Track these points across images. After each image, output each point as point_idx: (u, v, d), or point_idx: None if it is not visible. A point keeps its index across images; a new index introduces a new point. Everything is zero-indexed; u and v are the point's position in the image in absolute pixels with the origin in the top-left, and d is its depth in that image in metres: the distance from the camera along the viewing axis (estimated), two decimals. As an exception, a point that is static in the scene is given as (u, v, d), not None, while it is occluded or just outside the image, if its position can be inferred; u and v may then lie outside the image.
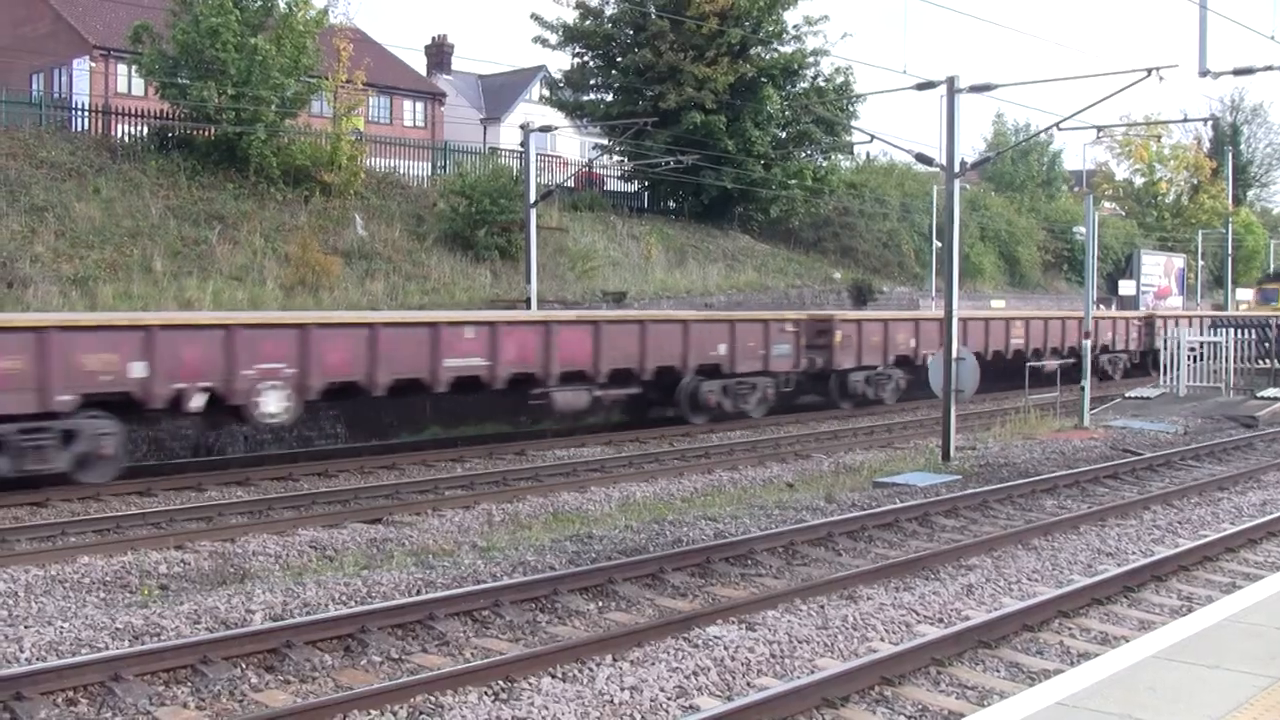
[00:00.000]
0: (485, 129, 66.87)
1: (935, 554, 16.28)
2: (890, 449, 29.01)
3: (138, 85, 45.46)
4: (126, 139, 38.79)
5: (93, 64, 50.70)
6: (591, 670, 11.30)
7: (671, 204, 53.74)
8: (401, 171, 45.00)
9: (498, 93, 72.63)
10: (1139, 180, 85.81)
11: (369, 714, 10.11)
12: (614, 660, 11.62)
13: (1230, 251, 75.86)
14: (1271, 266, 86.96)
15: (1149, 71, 24.61)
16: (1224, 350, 41.50)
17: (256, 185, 37.39)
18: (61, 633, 12.23)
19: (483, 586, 13.87)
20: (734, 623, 12.90)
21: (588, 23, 50.79)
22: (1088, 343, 32.70)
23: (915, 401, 37.49)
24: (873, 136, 38.76)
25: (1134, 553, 16.80)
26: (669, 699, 10.52)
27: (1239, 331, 43.17)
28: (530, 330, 28.23)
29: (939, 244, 48.06)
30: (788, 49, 51.32)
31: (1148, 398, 39.04)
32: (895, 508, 19.44)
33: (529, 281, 35.73)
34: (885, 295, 51.46)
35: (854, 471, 25.08)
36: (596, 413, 30.81)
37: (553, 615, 13.41)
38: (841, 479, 23.94)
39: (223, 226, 34.86)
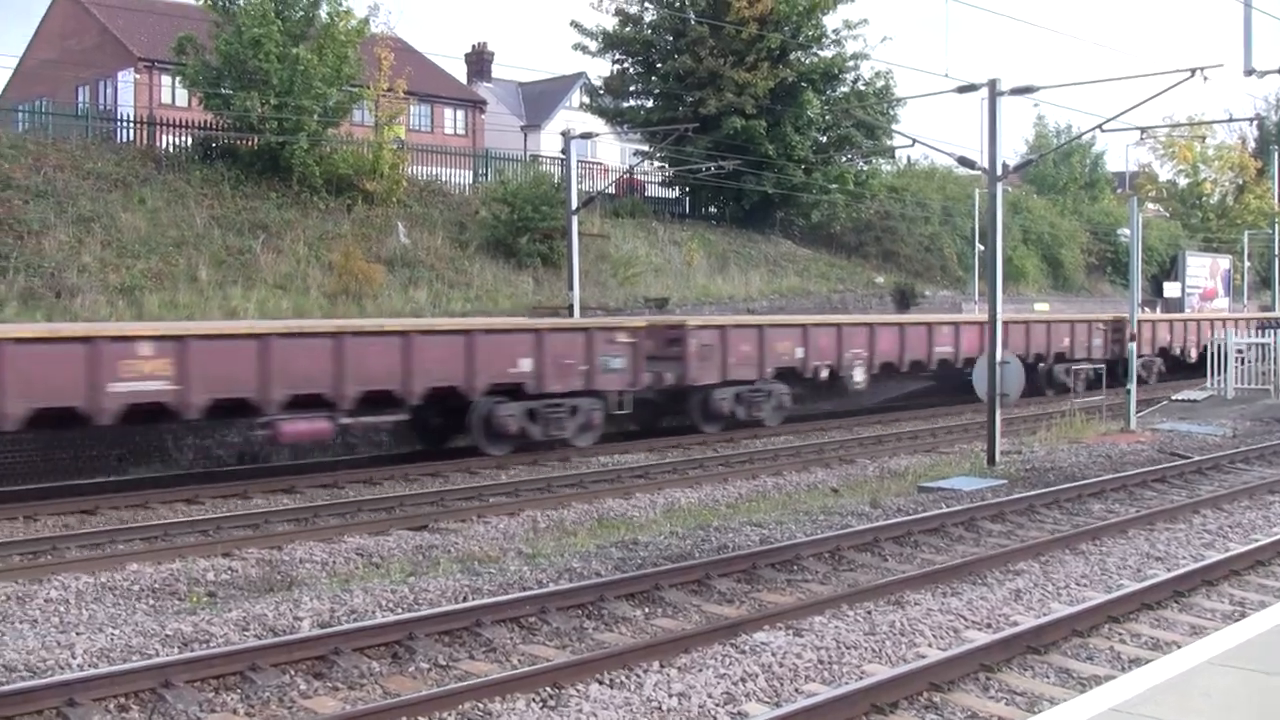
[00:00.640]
0: (526, 136, 66.95)
1: (982, 559, 16.19)
2: (935, 453, 28.91)
3: (181, 96, 45.78)
4: (171, 149, 39.10)
5: (137, 76, 51.04)
6: (639, 677, 11.27)
7: (712, 209, 53.75)
8: (443, 179, 45.12)
9: (538, 100, 72.72)
10: (1183, 181, 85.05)
11: (417, 721, 10.10)
12: (661, 667, 11.59)
13: (1277, 252, 75.14)
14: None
15: (1193, 71, 24.46)
16: (1273, 352, 41.17)
17: (299, 194, 37.60)
18: (112, 639, 12.29)
19: (529, 593, 13.87)
20: (781, 629, 12.86)
21: (627, 29, 50.83)
22: (1133, 345, 32.52)
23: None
24: (914, 140, 39.12)
25: (1184, 557, 16.66)
26: (717, 705, 10.49)
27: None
28: (238, 346, 22.73)
29: (981, 247, 47.90)
30: (827, 53, 51.22)
31: (1195, 400, 38.78)
32: (941, 512, 19.33)
33: (571, 288, 35.75)
34: (928, 299, 51.29)
35: (899, 476, 25.01)
36: (352, 444, 27.63)
37: (599, 622, 13.40)
38: (886, 484, 23.88)
39: (266, 235, 35.06)
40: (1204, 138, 78.18)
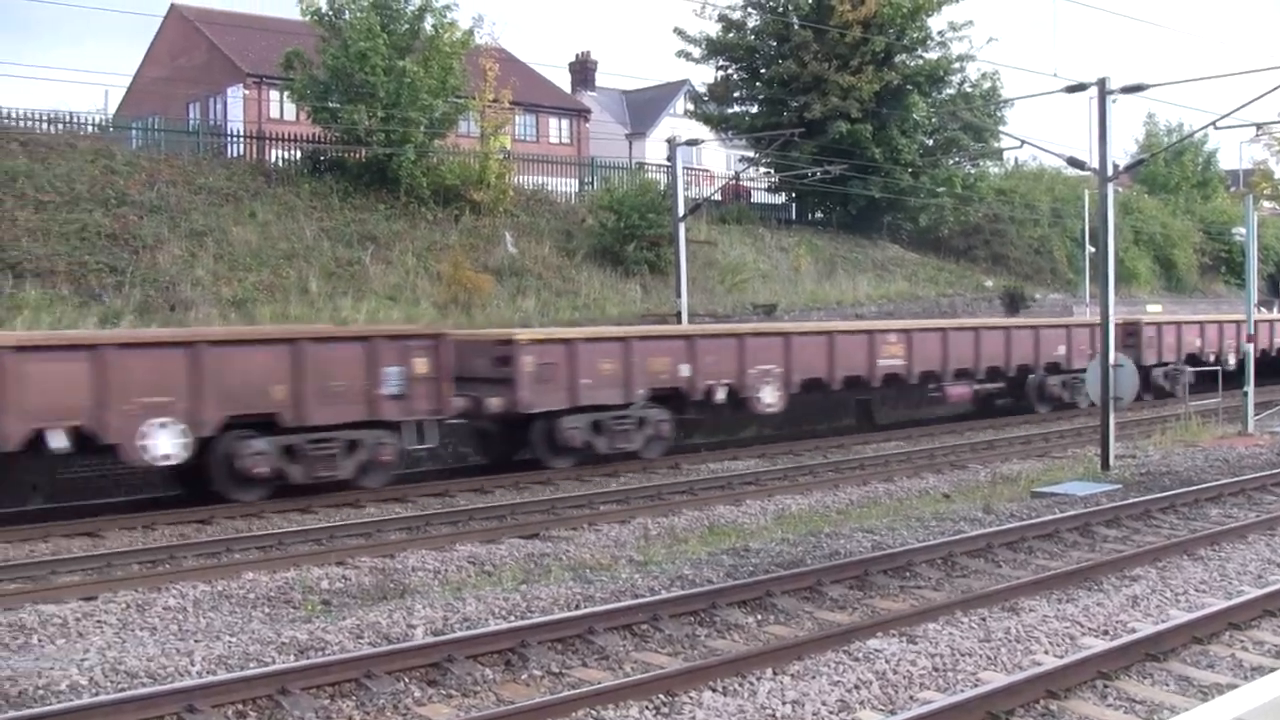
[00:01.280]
0: (630, 144, 67.13)
1: (1098, 565, 15.99)
2: (1048, 458, 28.59)
3: (290, 111, 46.33)
4: (280, 163, 39.65)
5: (246, 91, 51.77)
6: (752, 684, 11.24)
7: (819, 214, 53.60)
8: (549, 188, 45.35)
9: (642, 108, 72.89)
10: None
11: (532, 728, 10.13)
12: (774, 674, 11.55)
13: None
14: None
15: (1310, 66, 24.01)
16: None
17: (407, 205, 37.94)
18: (230, 647, 12.46)
19: (641, 600, 13.88)
20: (894, 635, 12.77)
21: (730, 35, 50.80)
22: (1251, 346, 31.97)
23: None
24: (1022, 141, 38.66)
25: (1306, 562, 16.38)
26: (831, 713, 10.43)
27: None
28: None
29: (1092, 249, 47.26)
30: (933, 55, 50.90)
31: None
32: (1055, 518, 19.12)
33: (679, 295, 35.75)
34: (1038, 302, 50.73)
35: (1011, 481, 24.75)
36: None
37: (711, 629, 13.37)
38: (999, 489, 23.65)
39: (375, 247, 35.41)
40: (1322, 133, 76.77)
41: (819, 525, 19.52)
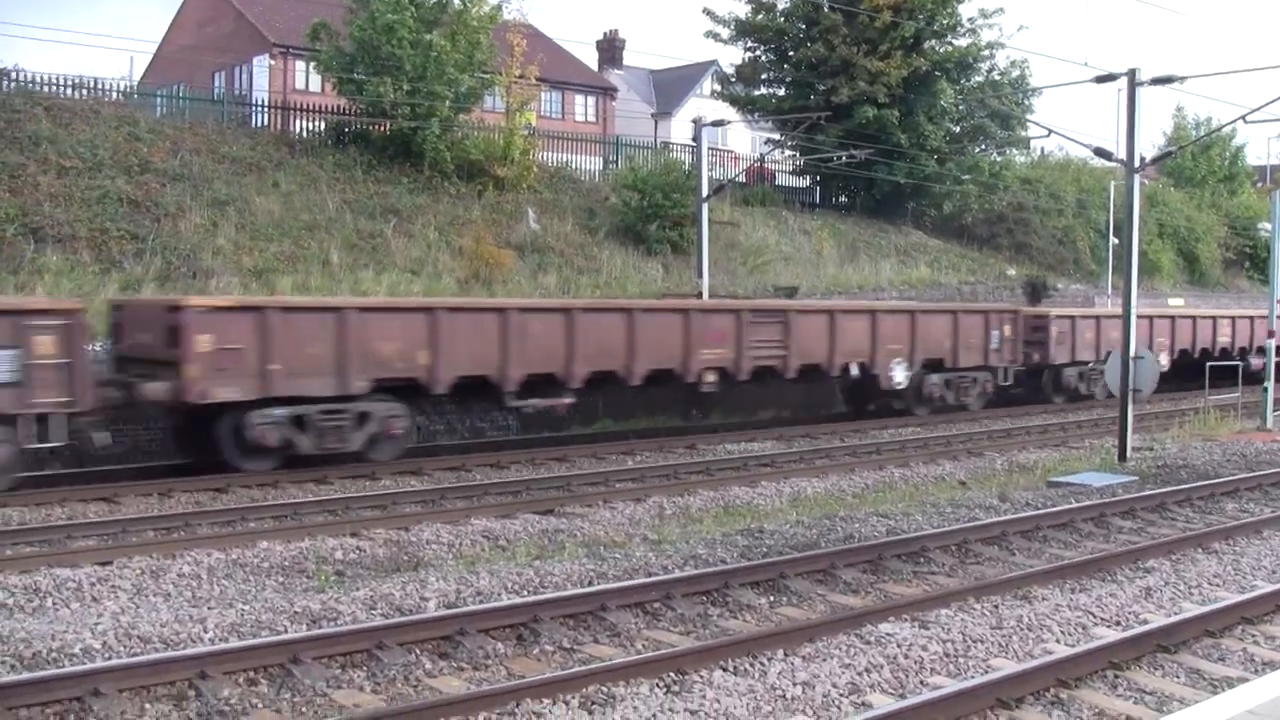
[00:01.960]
0: (656, 124, 67.00)
1: (1112, 555, 15.97)
2: (1064, 448, 28.52)
3: (315, 82, 46.40)
4: (304, 134, 39.61)
5: (272, 61, 51.84)
6: (763, 664, 11.25)
7: (843, 199, 53.48)
8: (573, 166, 45.28)
9: (669, 87, 72.76)
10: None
11: (541, 702, 10.13)
12: (785, 655, 11.55)
13: None
14: None
15: (1341, 62, 23.83)
16: None
17: (431, 179, 37.91)
18: (243, 615, 12.50)
19: (654, 579, 13.90)
20: (907, 620, 12.77)
21: (760, 17, 50.67)
22: (1272, 342, 31.84)
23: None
24: (1049, 130, 38.13)
25: (1322, 558, 16.32)
26: (841, 695, 10.43)
27: None
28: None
29: (1115, 240, 47.11)
30: (962, 42, 50.70)
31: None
32: (1070, 508, 19.12)
33: (700, 275, 35.72)
34: (1060, 292, 50.58)
35: (1027, 470, 24.72)
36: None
37: (724, 609, 13.38)
38: (1014, 477, 23.63)
39: (398, 220, 35.39)
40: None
41: (834, 509, 19.53)
